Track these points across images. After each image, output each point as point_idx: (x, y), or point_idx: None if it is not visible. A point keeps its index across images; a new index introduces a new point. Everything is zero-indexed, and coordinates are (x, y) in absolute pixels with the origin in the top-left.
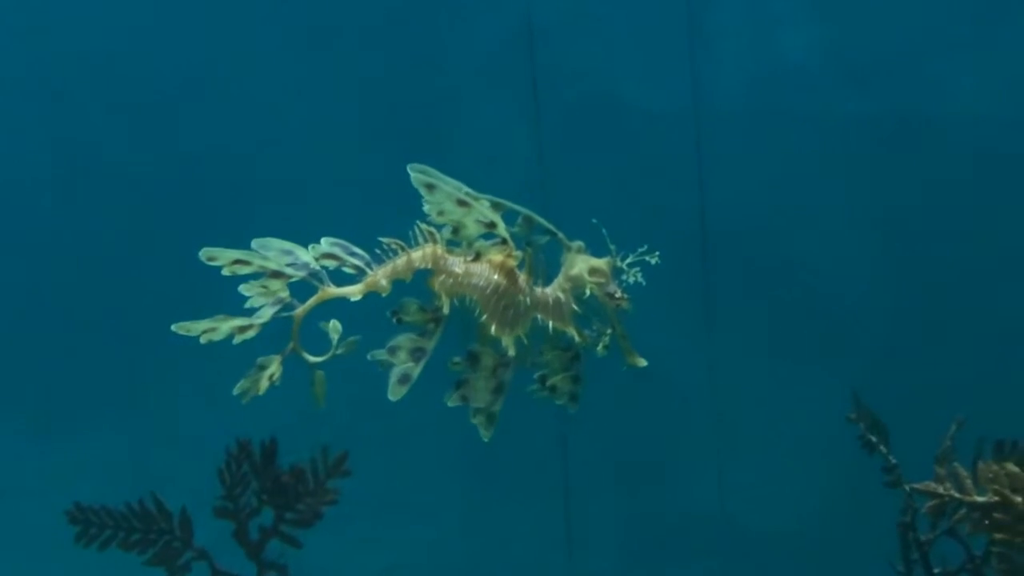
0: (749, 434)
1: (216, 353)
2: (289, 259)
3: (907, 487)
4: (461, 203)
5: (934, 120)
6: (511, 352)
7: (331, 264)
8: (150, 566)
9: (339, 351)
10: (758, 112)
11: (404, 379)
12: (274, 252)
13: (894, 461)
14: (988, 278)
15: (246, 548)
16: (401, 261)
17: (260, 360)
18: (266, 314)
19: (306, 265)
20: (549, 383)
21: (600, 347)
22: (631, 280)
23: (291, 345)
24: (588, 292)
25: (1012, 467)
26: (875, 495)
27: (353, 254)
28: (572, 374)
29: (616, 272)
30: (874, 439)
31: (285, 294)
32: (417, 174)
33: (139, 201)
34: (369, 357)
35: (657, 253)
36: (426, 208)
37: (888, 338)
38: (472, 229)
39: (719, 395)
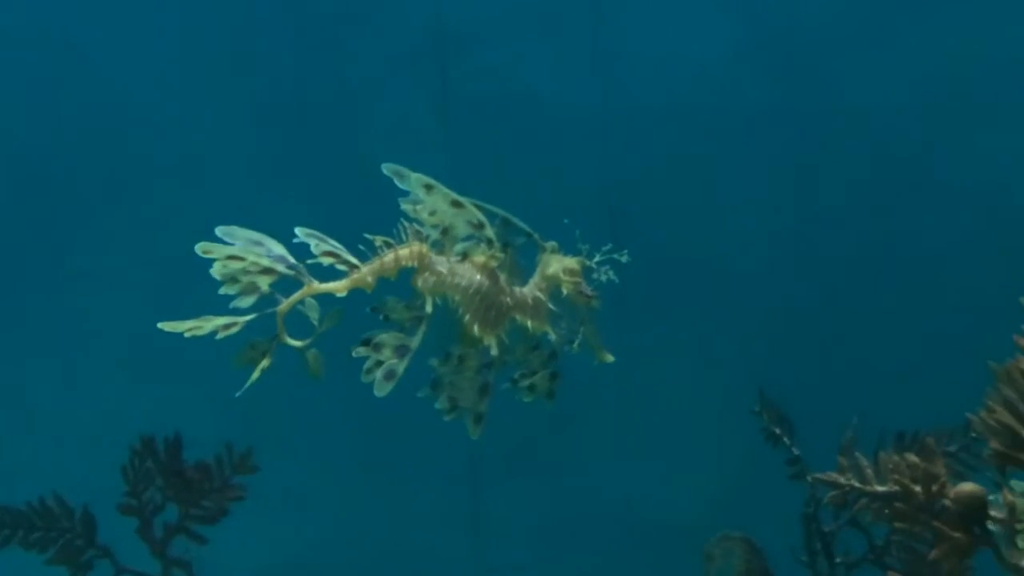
0: (655, 426)
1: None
2: (263, 250)
3: (810, 478)
4: (455, 204)
5: (837, 113)
6: (494, 352)
7: (329, 261)
8: (52, 565)
9: (324, 327)
10: (665, 105)
11: (390, 375)
12: (242, 241)
13: (797, 453)
14: (890, 272)
15: (150, 545)
16: (388, 258)
17: (254, 342)
18: (250, 312)
19: (283, 258)
20: (528, 382)
21: (575, 344)
22: (603, 279)
23: (278, 337)
24: (564, 292)
25: (912, 458)
26: (779, 487)
27: (330, 244)
28: (550, 371)
29: (587, 271)
30: (778, 431)
31: (267, 289)
32: (418, 176)
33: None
34: (354, 354)
35: (625, 251)
36: (405, 207)
37: (793, 331)
38: (461, 230)
39: (626, 386)
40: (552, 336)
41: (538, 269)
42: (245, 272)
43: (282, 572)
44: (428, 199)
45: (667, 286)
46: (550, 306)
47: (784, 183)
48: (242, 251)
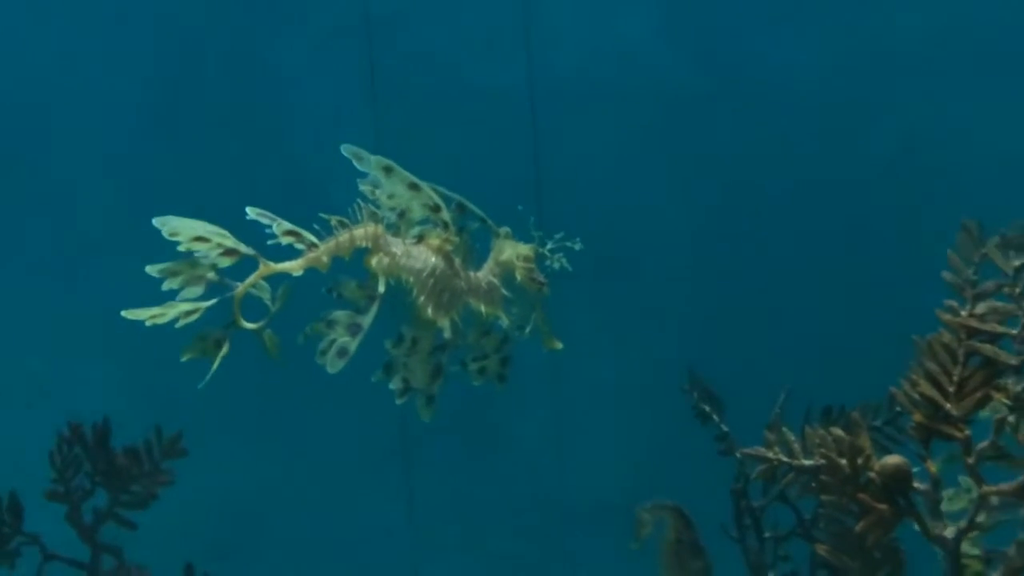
0: (584, 404)
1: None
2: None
3: (739, 453)
4: (412, 187)
5: (766, 92)
6: (447, 335)
7: (291, 241)
8: None
9: (277, 306)
10: (593, 88)
11: (342, 353)
12: (185, 232)
13: (726, 430)
14: (816, 248)
15: (79, 531)
16: (343, 238)
17: (203, 333)
18: (210, 298)
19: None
20: (478, 365)
21: (526, 330)
22: (556, 266)
23: (235, 322)
24: (518, 278)
25: (838, 431)
26: (709, 464)
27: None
28: (501, 356)
29: (539, 258)
30: (707, 409)
31: (214, 277)
32: (378, 158)
33: None
34: (308, 330)
35: (578, 239)
36: (363, 188)
37: (722, 310)
38: (417, 213)
39: (555, 364)
40: (504, 321)
41: (491, 254)
42: (205, 256)
43: (210, 552)
44: (386, 182)
45: (595, 265)
46: (503, 291)
47: (711, 162)
48: (206, 232)
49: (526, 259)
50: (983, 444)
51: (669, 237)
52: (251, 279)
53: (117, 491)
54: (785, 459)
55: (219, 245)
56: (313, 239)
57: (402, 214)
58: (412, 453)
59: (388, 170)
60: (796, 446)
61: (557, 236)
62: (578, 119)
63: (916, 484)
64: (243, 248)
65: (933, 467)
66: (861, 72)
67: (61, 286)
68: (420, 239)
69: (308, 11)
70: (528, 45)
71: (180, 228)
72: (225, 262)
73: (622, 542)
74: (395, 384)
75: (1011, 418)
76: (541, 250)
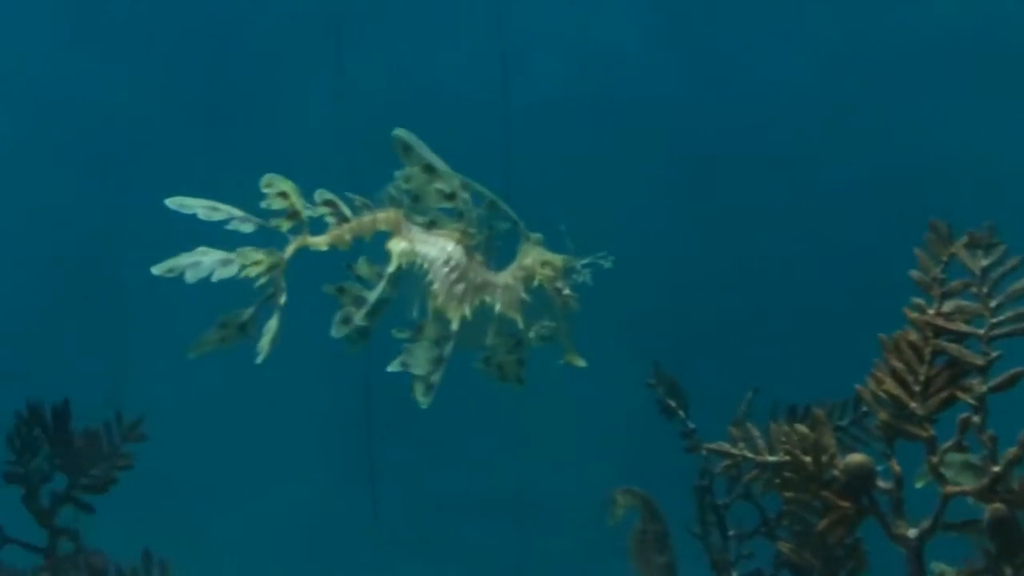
0: (549, 400)
1: None
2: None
3: (703, 449)
4: (428, 169)
5: (753, 104)
6: (454, 326)
7: (325, 212)
8: None
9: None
10: (568, 97)
11: (345, 320)
12: (201, 208)
13: (692, 426)
14: (785, 246)
15: (37, 514)
16: (366, 220)
17: (227, 318)
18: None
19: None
20: (496, 362)
21: (537, 337)
22: (580, 280)
23: (281, 296)
24: (536, 283)
25: (802, 428)
26: (673, 461)
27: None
28: (515, 358)
29: (569, 271)
30: (673, 404)
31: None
32: (400, 134)
33: None
34: (324, 289)
35: (611, 257)
36: (397, 173)
37: (689, 306)
38: (432, 198)
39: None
40: (519, 324)
41: (517, 258)
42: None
43: (173, 541)
44: (405, 160)
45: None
46: (522, 294)
47: (687, 165)
48: (215, 204)
49: (552, 268)
50: (947, 444)
51: (639, 234)
52: (292, 247)
53: (75, 474)
54: (750, 455)
55: (230, 214)
56: (347, 211)
57: (416, 198)
58: (377, 447)
59: (407, 149)
60: (761, 442)
61: (599, 254)
62: (551, 127)
63: (879, 483)
64: (257, 220)
65: (897, 466)
66: (847, 79)
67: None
68: (431, 225)
69: (278, 12)
70: (503, 50)
71: (190, 202)
72: (286, 225)
73: (588, 538)
74: (394, 366)
75: (975, 418)
76: (572, 263)
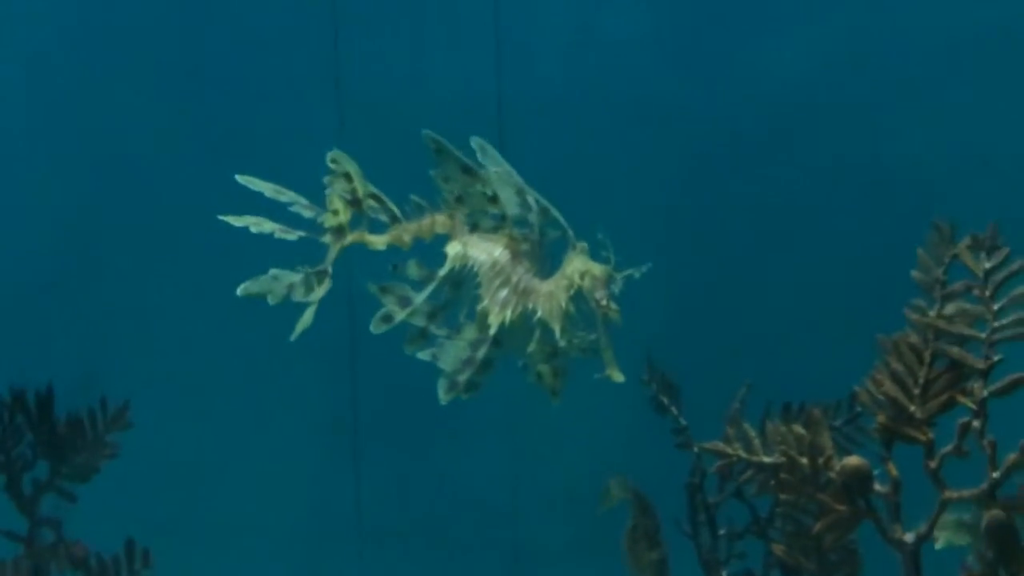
0: (539, 394)
1: None
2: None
3: (696, 448)
4: (466, 171)
5: (748, 99)
6: (492, 331)
7: (372, 204)
8: None
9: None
10: (562, 98)
11: (386, 319)
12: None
13: (684, 423)
14: (782, 244)
15: (18, 502)
16: (426, 223)
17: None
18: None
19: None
20: (535, 370)
21: (574, 348)
22: (615, 290)
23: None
24: (573, 291)
25: (799, 429)
26: (665, 457)
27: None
28: (552, 367)
29: (609, 280)
30: (665, 400)
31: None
32: (430, 135)
33: None
34: (368, 288)
35: (649, 265)
36: (433, 173)
37: (684, 301)
38: (476, 201)
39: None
40: (557, 333)
41: (562, 266)
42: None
43: (155, 531)
44: (440, 162)
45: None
46: (562, 303)
47: (684, 162)
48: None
49: (593, 278)
50: (946, 448)
51: (634, 231)
52: (349, 239)
53: (58, 462)
54: (744, 455)
55: (293, 199)
56: (395, 209)
57: (460, 199)
58: (361, 439)
59: (440, 150)
60: (756, 442)
61: (644, 266)
62: (546, 129)
63: (876, 486)
64: (371, 202)
65: (894, 470)
66: (849, 77)
67: None
68: (474, 227)
69: (274, 17)
70: (498, 52)
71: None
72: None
73: (577, 532)
74: (424, 355)
75: (975, 423)
76: (614, 274)
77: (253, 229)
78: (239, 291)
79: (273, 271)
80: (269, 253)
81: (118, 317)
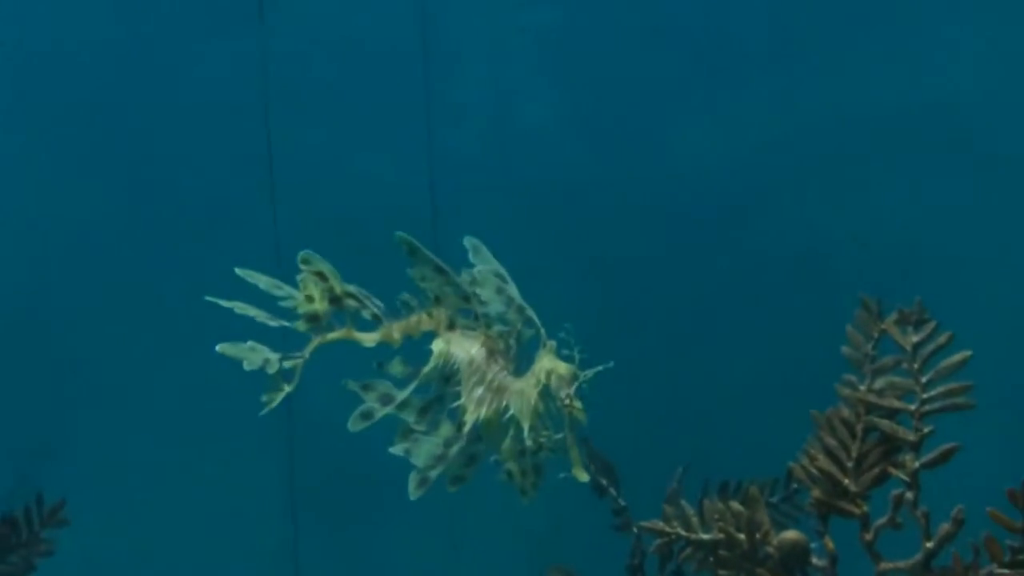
0: (479, 475)
1: None
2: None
3: (636, 527)
4: (439, 271)
5: (669, 182)
6: (465, 428)
7: (353, 305)
8: None
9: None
10: (494, 182)
11: (366, 416)
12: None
13: (624, 504)
14: (713, 326)
15: None
16: (414, 320)
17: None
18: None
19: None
20: (506, 468)
21: (539, 446)
22: (583, 388)
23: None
24: (539, 389)
25: (736, 506)
26: (604, 539)
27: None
28: (521, 466)
29: (574, 380)
30: (604, 482)
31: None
32: (403, 236)
33: None
34: (348, 385)
35: (611, 362)
36: (410, 272)
37: (619, 383)
38: (451, 301)
39: None
40: (525, 431)
41: (534, 365)
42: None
43: None
44: (415, 262)
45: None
46: (532, 402)
47: (613, 246)
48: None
49: (558, 376)
50: (881, 520)
51: (564, 317)
52: (333, 335)
53: None
54: (684, 533)
55: (290, 295)
56: (376, 307)
57: (438, 299)
58: (299, 521)
59: (413, 250)
60: (695, 520)
61: (606, 366)
62: (477, 212)
63: (814, 560)
64: (351, 301)
65: (830, 543)
66: (772, 157)
67: None
68: (452, 324)
69: (205, 100)
70: (430, 136)
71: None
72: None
73: None
74: (396, 451)
75: (908, 494)
76: (579, 373)
77: (263, 288)
78: (218, 348)
79: (251, 343)
80: (209, 337)
81: (46, 414)
